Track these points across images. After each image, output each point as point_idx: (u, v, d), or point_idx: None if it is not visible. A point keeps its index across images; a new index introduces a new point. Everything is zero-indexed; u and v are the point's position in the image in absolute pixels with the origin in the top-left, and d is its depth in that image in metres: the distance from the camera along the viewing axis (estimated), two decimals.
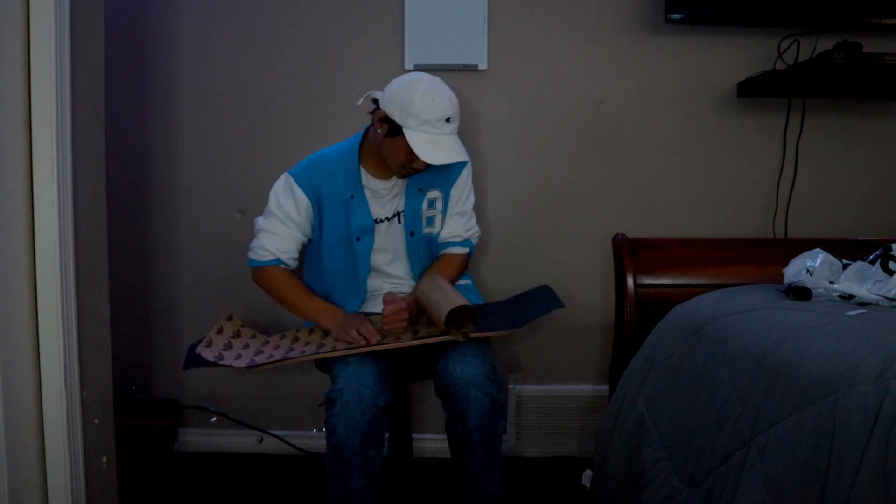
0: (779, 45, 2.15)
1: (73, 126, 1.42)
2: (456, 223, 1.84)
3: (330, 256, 1.78)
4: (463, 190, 1.83)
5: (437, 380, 1.61)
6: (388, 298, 1.66)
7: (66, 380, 1.42)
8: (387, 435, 1.95)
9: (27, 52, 1.36)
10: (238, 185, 2.25)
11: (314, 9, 2.20)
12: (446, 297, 1.59)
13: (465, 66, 2.17)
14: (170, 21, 2.21)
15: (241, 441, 2.34)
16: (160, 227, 2.29)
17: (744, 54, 2.17)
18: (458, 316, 1.59)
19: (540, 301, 1.78)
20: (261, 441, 2.34)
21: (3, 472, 1.33)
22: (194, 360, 1.65)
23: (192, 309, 2.29)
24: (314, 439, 2.32)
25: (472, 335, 1.58)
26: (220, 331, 1.75)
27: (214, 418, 2.34)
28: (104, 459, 1.61)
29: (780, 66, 2.15)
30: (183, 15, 2.21)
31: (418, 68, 2.14)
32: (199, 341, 1.70)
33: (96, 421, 1.56)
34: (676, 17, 2.08)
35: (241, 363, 1.59)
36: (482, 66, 2.19)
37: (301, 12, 2.20)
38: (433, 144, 1.60)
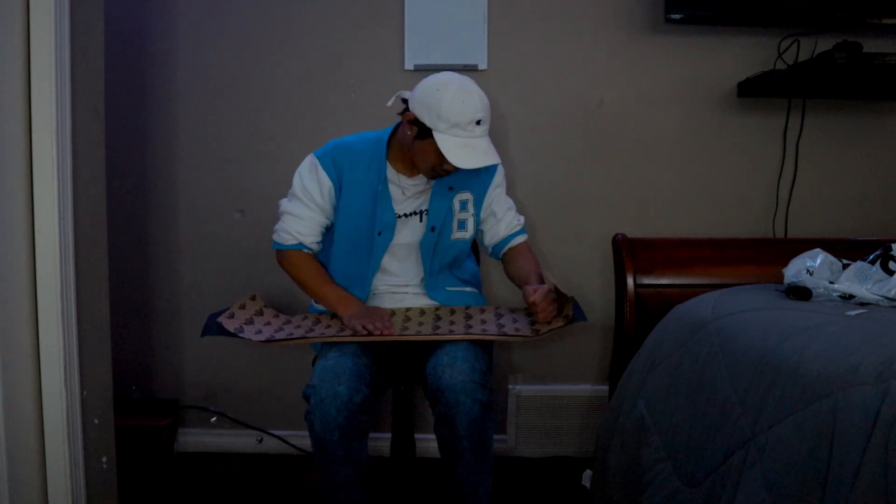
0: (779, 45, 2.15)
1: (73, 126, 1.43)
2: (511, 218, 1.83)
3: (341, 244, 1.74)
4: (504, 188, 1.82)
5: (425, 382, 1.56)
6: (530, 290, 1.61)
7: (66, 380, 1.42)
8: (390, 435, 1.97)
9: (27, 52, 1.36)
10: (238, 185, 2.25)
11: (314, 9, 2.20)
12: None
13: (465, 66, 2.17)
14: (170, 21, 2.21)
15: (241, 441, 2.34)
16: (160, 227, 2.29)
17: (744, 54, 2.17)
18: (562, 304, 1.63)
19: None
20: (261, 441, 2.34)
21: (3, 472, 1.33)
22: (213, 328, 1.63)
23: (192, 309, 2.29)
24: None
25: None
26: (242, 306, 1.75)
27: (214, 418, 2.34)
28: (104, 459, 1.61)
29: (780, 66, 2.15)
30: (183, 15, 2.21)
31: (418, 68, 2.14)
32: (221, 311, 1.69)
33: (96, 421, 1.56)
34: (676, 17, 2.08)
35: (261, 337, 1.59)
36: (482, 66, 2.19)
37: (301, 13, 2.20)
38: (464, 148, 1.56)
